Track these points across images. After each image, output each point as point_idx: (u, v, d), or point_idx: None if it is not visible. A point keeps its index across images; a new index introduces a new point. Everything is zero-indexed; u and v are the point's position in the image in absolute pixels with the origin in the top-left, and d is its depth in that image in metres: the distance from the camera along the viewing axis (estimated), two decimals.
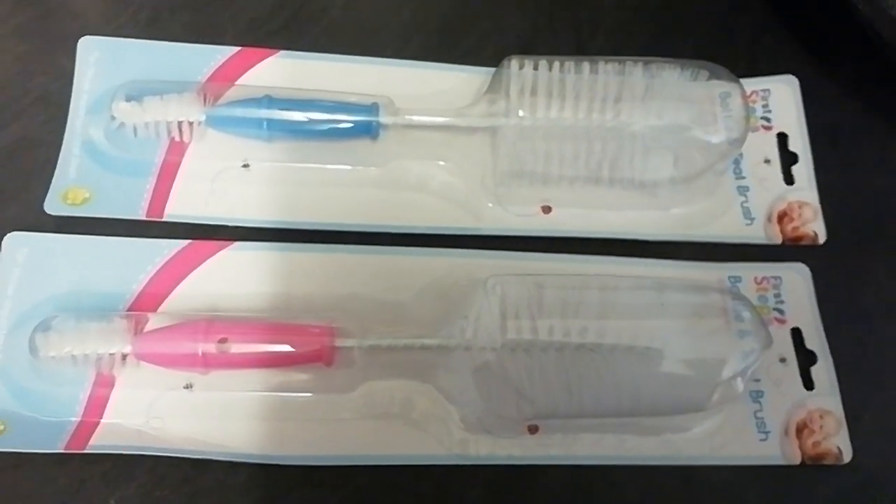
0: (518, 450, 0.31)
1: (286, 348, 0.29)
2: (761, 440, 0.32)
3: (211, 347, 0.29)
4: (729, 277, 0.35)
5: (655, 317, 0.30)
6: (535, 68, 0.34)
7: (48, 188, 0.33)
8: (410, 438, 0.31)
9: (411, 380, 0.31)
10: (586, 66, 0.34)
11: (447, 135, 0.35)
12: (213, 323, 0.29)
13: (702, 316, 0.31)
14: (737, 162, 0.38)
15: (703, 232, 0.36)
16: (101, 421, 0.29)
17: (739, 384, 0.30)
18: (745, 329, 0.30)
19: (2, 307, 0.30)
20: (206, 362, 0.29)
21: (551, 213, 0.36)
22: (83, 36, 0.35)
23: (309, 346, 0.29)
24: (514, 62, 0.34)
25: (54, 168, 0.33)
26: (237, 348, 0.29)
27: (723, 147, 0.34)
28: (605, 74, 0.34)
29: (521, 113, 0.33)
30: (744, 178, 0.38)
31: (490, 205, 0.35)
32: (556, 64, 0.34)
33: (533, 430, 0.31)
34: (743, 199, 0.37)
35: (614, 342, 0.30)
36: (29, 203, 0.32)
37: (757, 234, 0.36)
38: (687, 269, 0.35)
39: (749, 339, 0.30)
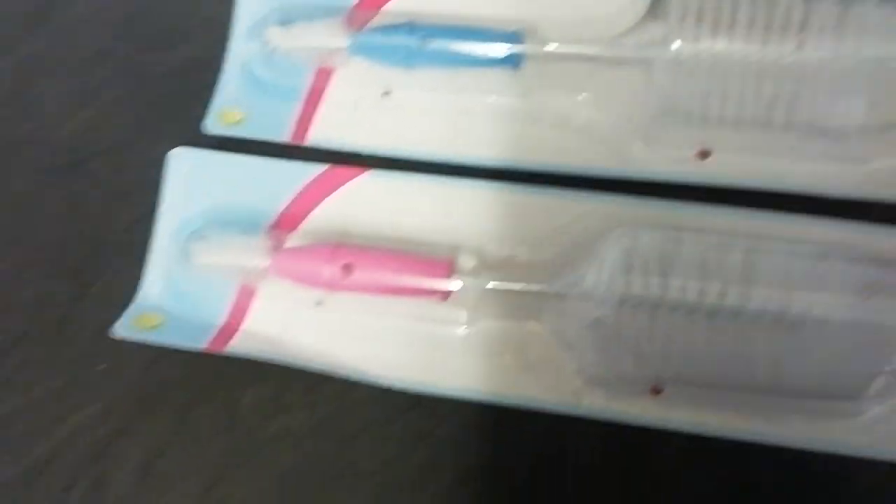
0: (636, 409, 0.29)
1: (405, 280, 0.30)
2: None
3: (335, 271, 0.30)
4: None
5: (812, 287, 0.27)
6: None
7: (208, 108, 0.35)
8: (521, 380, 0.30)
9: (527, 321, 0.30)
10: None
11: (595, 66, 0.32)
12: (339, 248, 0.30)
13: (872, 292, 0.27)
14: None
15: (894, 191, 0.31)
16: (242, 327, 0.32)
17: None
18: None
19: (167, 216, 0.34)
20: (332, 283, 0.30)
21: (710, 159, 0.32)
22: None
23: (426, 280, 0.30)
24: None
25: (214, 90, 0.35)
26: (359, 274, 0.30)
27: None
28: None
29: (678, 43, 0.30)
30: None
31: (638, 146, 0.32)
32: None
33: (656, 391, 0.29)
34: None
35: (760, 308, 0.26)
36: (194, 120, 0.35)
37: None
38: (875, 234, 0.30)
39: None
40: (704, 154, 0.32)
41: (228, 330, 0.32)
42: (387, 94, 0.35)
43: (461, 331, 0.31)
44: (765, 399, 0.28)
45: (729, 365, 0.27)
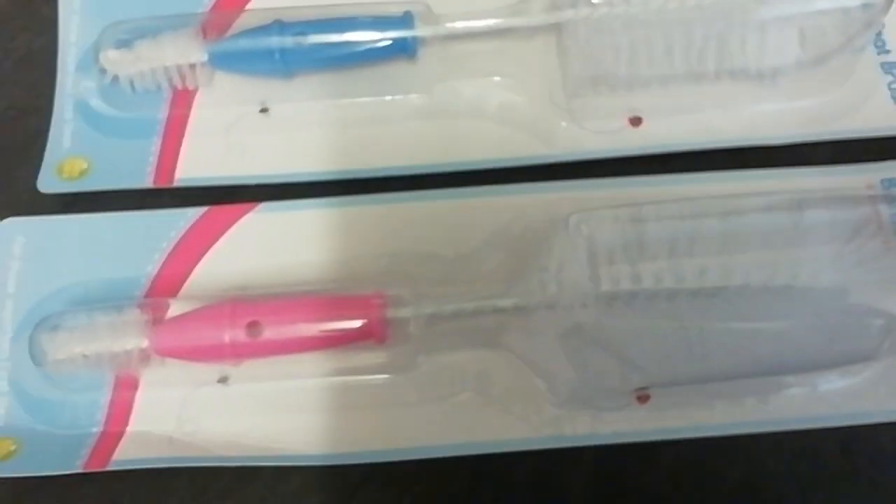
0: (625, 424, 0.25)
1: (328, 326, 0.24)
2: None
3: (240, 334, 0.24)
4: (882, 181, 0.28)
5: (795, 244, 0.23)
6: None
7: (41, 163, 0.28)
8: (491, 421, 0.25)
9: (485, 349, 0.25)
10: None
11: (502, 42, 0.29)
12: (239, 304, 0.24)
13: (856, 236, 0.23)
14: (879, 33, 0.30)
15: (841, 126, 0.29)
16: (127, 429, 0.25)
17: None
18: None
19: (3, 308, 0.26)
20: (237, 351, 0.24)
21: (642, 126, 0.29)
22: None
23: (355, 322, 0.24)
24: None
25: (46, 139, 0.28)
26: (270, 332, 0.24)
27: (859, 13, 0.26)
28: None
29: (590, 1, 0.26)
30: (888, 51, 0.30)
31: (563, 124, 0.29)
32: None
33: (643, 398, 0.25)
34: (890, 78, 0.29)
35: (744, 281, 0.23)
36: (22, 182, 0.28)
37: None
38: (826, 175, 0.28)
39: None
40: (636, 121, 0.29)
41: (109, 438, 0.25)
42: (264, 110, 0.29)
43: (407, 376, 0.25)
44: (762, 382, 0.25)
45: (726, 349, 0.23)
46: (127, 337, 0.24)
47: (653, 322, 0.23)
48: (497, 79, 0.29)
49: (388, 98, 0.29)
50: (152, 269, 0.27)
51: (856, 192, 0.26)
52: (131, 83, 0.28)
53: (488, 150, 0.29)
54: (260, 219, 0.27)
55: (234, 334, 0.24)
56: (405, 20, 0.28)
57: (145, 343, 0.24)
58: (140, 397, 0.25)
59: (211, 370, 0.25)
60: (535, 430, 0.25)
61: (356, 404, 0.25)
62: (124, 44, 0.28)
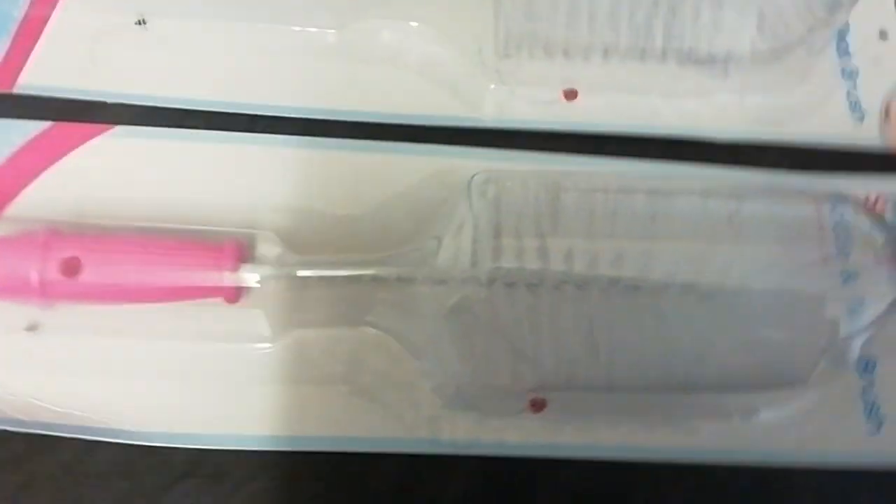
0: (514, 434, 0.21)
1: (166, 273, 0.19)
2: (871, 435, 0.22)
3: (52, 270, 0.19)
4: (830, 197, 0.25)
5: (729, 239, 0.20)
6: None
7: None
8: (357, 413, 0.21)
9: (360, 328, 0.21)
10: None
11: None
12: (58, 235, 0.20)
13: (796, 238, 0.20)
14: (841, 35, 0.28)
15: (793, 130, 0.26)
16: None
17: (855, 347, 0.20)
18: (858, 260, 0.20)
19: None
20: (46, 291, 0.19)
21: (577, 100, 0.26)
22: None
23: (200, 273, 0.20)
24: None
25: None
26: (90, 272, 0.19)
27: (825, 6, 0.24)
28: None
29: None
30: (850, 56, 0.27)
31: (491, 86, 0.25)
32: None
33: (538, 405, 0.21)
34: (850, 85, 0.27)
35: (666, 277, 0.19)
36: None
37: (868, 134, 0.26)
38: (771, 182, 0.25)
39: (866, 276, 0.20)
40: (571, 94, 0.26)
41: None
42: (141, 22, 0.25)
43: (261, 348, 0.21)
44: (676, 402, 0.21)
45: (634, 355, 0.20)
46: None
47: (556, 312, 0.19)
48: (420, 25, 0.25)
49: (296, 28, 0.25)
50: None
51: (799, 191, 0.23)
52: None
53: (401, 103, 0.25)
54: (113, 144, 0.23)
55: (45, 269, 0.19)
56: None
57: None
58: None
59: (18, 313, 0.20)
60: (407, 429, 0.21)
61: (190, 375, 0.21)
62: None
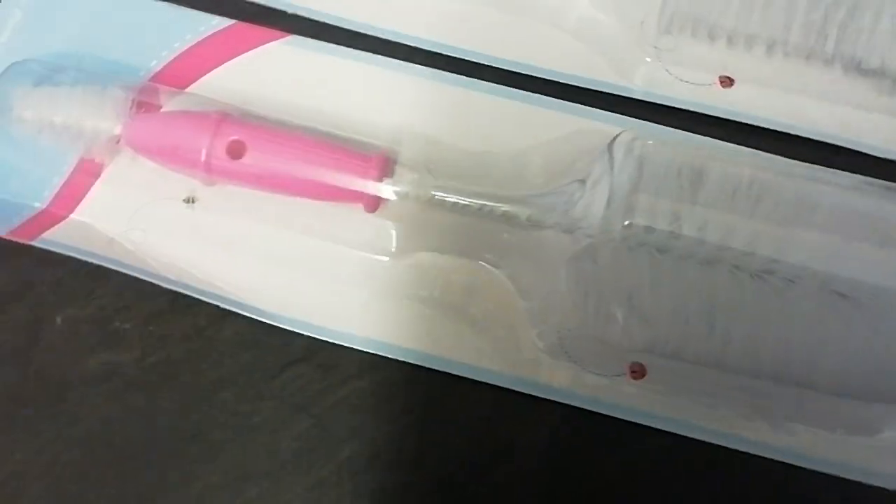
0: (610, 394, 0.21)
1: (317, 171, 0.21)
2: None
3: (219, 149, 0.21)
4: None
5: (873, 239, 0.19)
6: None
7: None
8: (463, 340, 0.22)
9: (480, 261, 0.22)
10: None
11: None
12: (228, 118, 0.21)
13: None
14: None
15: None
16: (70, 216, 0.22)
17: None
18: None
19: None
20: (211, 168, 0.21)
21: (733, 88, 0.25)
22: None
23: (347, 177, 0.21)
24: None
25: None
26: (252, 156, 0.21)
27: None
28: None
29: None
30: None
31: (648, 59, 0.25)
32: None
33: (638, 373, 0.21)
34: None
35: (799, 266, 0.19)
36: None
37: None
38: None
39: None
40: (727, 82, 0.25)
41: (47, 217, 0.22)
42: None
43: (387, 260, 0.22)
44: (781, 398, 0.21)
45: (751, 339, 0.19)
46: (102, 116, 0.21)
47: (679, 279, 0.19)
48: None
49: None
50: (156, 64, 0.24)
51: None
52: None
53: (557, 61, 0.25)
54: (286, 50, 0.24)
55: (213, 147, 0.21)
56: None
57: (118, 128, 0.21)
58: (96, 189, 0.23)
59: (180, 186, 0.22)
60: (508, 365, 0.22)
61: (319, 271, 0.22)
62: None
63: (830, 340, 0.19)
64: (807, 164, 0.21)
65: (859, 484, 0.21)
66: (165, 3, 0.25)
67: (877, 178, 0.24)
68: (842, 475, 0.21)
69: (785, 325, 0.19)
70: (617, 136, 0.20)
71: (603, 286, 0.20)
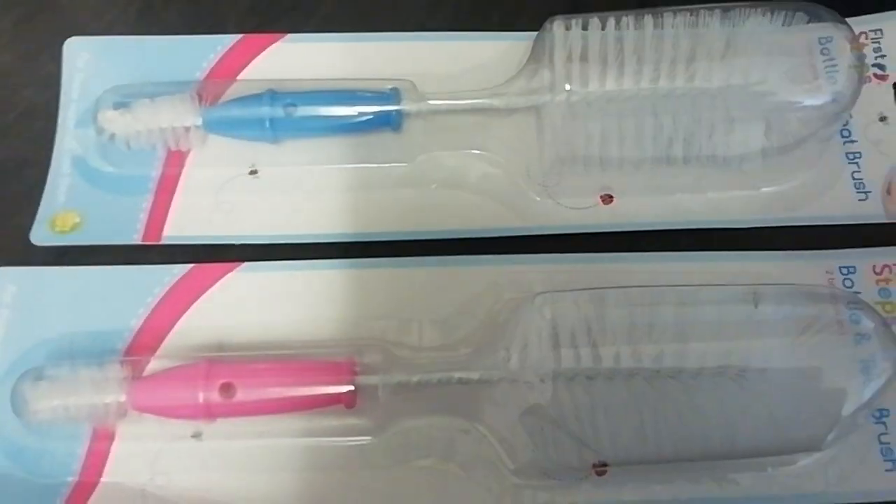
0: (582, 496, 0.26)
1: (300, 391, 0.25)
2: (888, 471, 0.26)
3: (213, 394, 0.25)
4: (840, 268, 0.29)
5: (749, 335, 0.24)
6: (585, 28, 0.28)
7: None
8: (453, 488, 0.26)
9: (452, 417, 0.26)
10: (649, 20, 0.28)
11: (483, 118, 0.30)
12: (215, 365, 0.25)
13: (809, 330, 0.25)
14: (845, 122, 0.31)
15: (804, 213, 0.30)
16: (101, 480, 0.26)
17: (862, 416, 0.24)
18: (867, 346, 0.24)
19: None
20: (210, 411, 0.25)
21: (613, 203, 0.30)
22: (69, 37, 0.31)
23: (326, 388, 0.25)
24: (557, 24, 0.28)
25: (42, 192, 0.29)
26: (243, 394, 0.25)
27: (828, 108, 0.28)
28: (674, 29, 0.28)
29: (567, 86, 0.27)
30: (854, 141, 0.31)
31: (538, 198, 0.30)
32: (611, 21, 0.28)
33: (601, 471, 0.26)
34: (854, 168, 0.31)
35: (699, 365, 0.24)
36: (17, 232, 0.29)
37: (873, 210, 0.30)
38: (787, 260, 0.29)
39: (874, 355, 0.24)
40: (607, 199, 0.30)
41: (83, 488, 0.26)
42: (254, 172, 0.30)
43: (375, 440, 0.26)
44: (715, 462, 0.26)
45: (679, 432, 0.24)
46: (106, 392, 0.25)
47: (608, 404, 0.24)
48: (477, 152, 0.30)
49: (373, 166, 0.30)
50: (136, 322, 0.28)
51: (815, 288, 0.27)
52: (127, 142, 0.29)
53: (466, 220, 0.30)
54: (242, 278, 0.28)
55: (207, 394, 0.25)
56: (391, 96, 0.29)
57: (123, 398, 0.25)
58: (115, 449, 0.26)
59: (185, 426, 0.26)
60: (495, 498, 0.26)
61: (324, 465, 0.26)
62: (123, 105, 0.29)
63: (732, 419, 0.23)
64: (680, 287, 0.26)
65: None
66: (130, 267, 0.29)
67: (748, 248, 0.29)
68: None
69: (698, 416, 0.24)
70: (532, 300, 0.25)
71: (556, 426, 0.24)
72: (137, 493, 0.26)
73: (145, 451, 0.26)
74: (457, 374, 0.25)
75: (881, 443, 0.26)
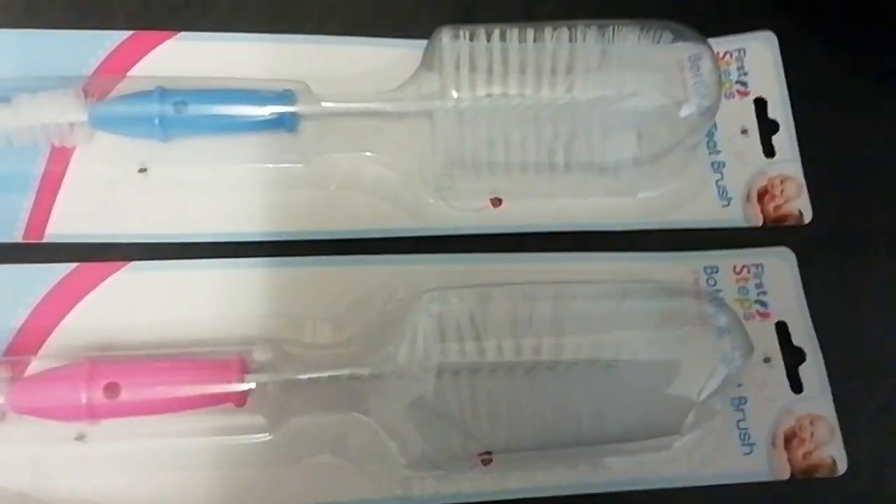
0: (469, 485, 0.27)
1: (187, 390, 0.25)
2: (746, 454, 0.29)
3: (97, 394, 0.24)
4: (704, 268, 0.32)
5: (619, 327, 0.26)
6: (472, 39, 0.29)
7: None
8: (344, 481, 0.27)
9: (343, 412, 0.27)
10: (531, 33, 0.29)
11: (376, 122, 0.31)
12: (98, 365, 0.25)
13: (673, 324, 0.27)
14: (710, 134, 0.34)
15: (673, 217, 0.32)
16: None
17: (718, 401, 0.27)
18: (723, 337, 0.26)
19: None
20: (94, 412, 0.25)
21: (502, 207, 0.32)
22: None
23: (214, 387, 0.25)
24: (446, 33, 0.29)
25: None
26: (128, 393, 0.25)
27: (693, 119, 0.30)
28: (554, 42, 0.29)
29: (455, 93, 0.29)
30: (719, 152, 0.34)
31: (430, 200, 0.31)
32: (496, 33, 0.29)
33: (487, 461, 0.27)
34: (718, 176, 0.33)
35: (572, 358, 0.26)
36: None
37: (735, 215, 0.33)
38: (657, 260, 0.32)
39: (728, 347, 0.26)
40: (496, 202, 0.32)
41: None
42: (143, 170, 0.30)
43: (266, 437, 0.27)
44: (590, 449, 0.28)
45: (555, 420, 0.26)
46: None
47: (491, 394, 0.25)
48: (372, 154, 0.31)
49: (266, 166, 0.31)
50: (16, 322, 0.27)
51: (679, 286, 0.29)
52: (8, 138, 0.28)
53: (360, 221, 0.30)
54: (130, 277, 0.28)
55: (91, 394, 0.24)
56: (285, 97, 0.29)
57: (2, 399, 0.24)
58: None
59: (68, 428, 0.26)
60: (385, 490, 0.27)
61: (215, 464, 0.26)
62: (3, 99, 0.28)
63: (602, 407, 0.25)
64: (558, 283, 0.28)
65: (672, 490, 0.28)
66: (10, 266, 0.28)
67: (622, 250, 0.32)
68: (657, 487, 0.28)
69: (571, 405, 0.25)
70: (420, 298, 0.26)
71: (441, 418, 0.25)
72: (18, 496, 0.25)
73: (27, 453, 0.25)
74: (347, 370, 0.26)
75: (739, 428, 0.29)
